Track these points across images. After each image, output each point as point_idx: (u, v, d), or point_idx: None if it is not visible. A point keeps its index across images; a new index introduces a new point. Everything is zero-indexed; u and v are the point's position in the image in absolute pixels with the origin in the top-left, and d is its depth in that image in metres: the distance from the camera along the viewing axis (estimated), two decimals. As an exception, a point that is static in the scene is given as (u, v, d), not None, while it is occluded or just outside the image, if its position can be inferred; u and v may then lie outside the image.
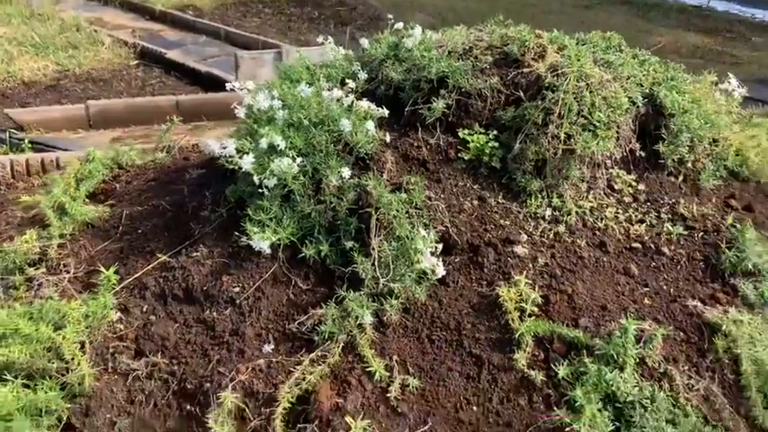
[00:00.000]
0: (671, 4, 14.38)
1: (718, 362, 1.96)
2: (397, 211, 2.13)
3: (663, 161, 2.64)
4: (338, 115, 2.32)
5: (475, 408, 1.86)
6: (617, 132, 2.54)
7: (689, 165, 2.72)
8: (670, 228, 2.44)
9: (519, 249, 2.25)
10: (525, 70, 2.53)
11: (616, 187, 2.58)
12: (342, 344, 1.97)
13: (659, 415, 1.77)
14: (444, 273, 2.12)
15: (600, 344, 1.90)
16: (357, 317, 1.97)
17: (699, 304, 2.12)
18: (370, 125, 2.27)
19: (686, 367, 1.94)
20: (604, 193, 2.55)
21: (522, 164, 2.42)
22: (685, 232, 2.44)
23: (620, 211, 2.51)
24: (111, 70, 6.71)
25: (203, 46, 7.70)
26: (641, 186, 2.60)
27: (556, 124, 2.37)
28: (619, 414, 1.81)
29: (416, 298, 2.07)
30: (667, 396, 1.84)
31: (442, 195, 2.37)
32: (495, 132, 2.47)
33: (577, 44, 2.74)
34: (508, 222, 2.36)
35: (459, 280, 2.18)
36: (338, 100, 2.39)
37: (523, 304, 2.02)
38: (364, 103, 2.42)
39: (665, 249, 2.36)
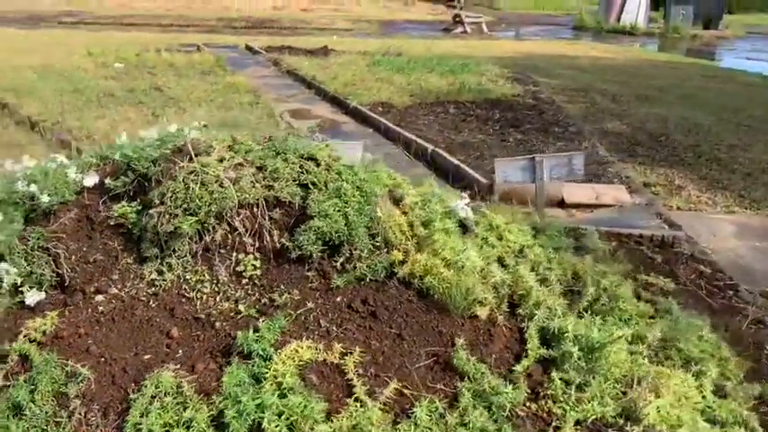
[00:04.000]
0: None
1: None
2: None
3: (292, 255, 2.96)
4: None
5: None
6: (246, 221, 2.97)
7: (337, 264, 2.99)
8: (242, 309, 2.77)
9: (99, 298, 2.81)
10: (185, 164, 3.11)
11: (238, 269, 2.97)
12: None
13: None
14: None
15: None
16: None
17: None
18: None
19: None
20: (223, 272, 2.95)
21: (146, 234, 2.98)
22: (256, 315, 2.75)
23: (229, 288, 2.90)
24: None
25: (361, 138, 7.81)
26: (260, 272, 2.95)
27: (166, 206, 2.91)
28: None
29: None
30: None
31: (91, 251, 3.03)
32: (140, 206, 3.08)
33: (264, 150, 3.23)
34: (116, 277, 2.92)
35: (45, 311, 2.80)
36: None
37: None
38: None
39: (219, 324, 2.71)
